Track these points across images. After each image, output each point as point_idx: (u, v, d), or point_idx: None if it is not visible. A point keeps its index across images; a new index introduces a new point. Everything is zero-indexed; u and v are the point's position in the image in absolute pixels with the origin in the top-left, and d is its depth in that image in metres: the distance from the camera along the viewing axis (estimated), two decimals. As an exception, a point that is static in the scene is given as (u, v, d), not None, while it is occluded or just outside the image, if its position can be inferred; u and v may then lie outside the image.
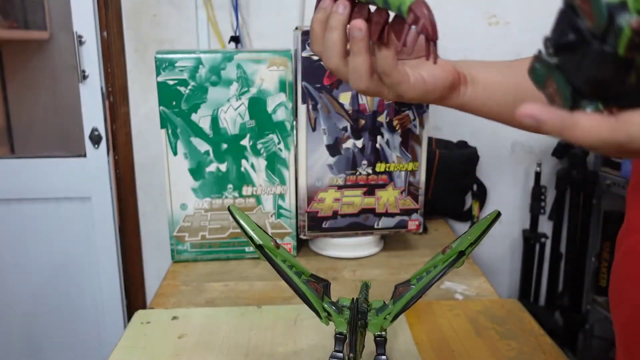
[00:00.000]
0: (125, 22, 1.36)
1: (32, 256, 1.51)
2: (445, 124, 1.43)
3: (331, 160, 1.01)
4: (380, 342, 0.64)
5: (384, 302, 0.65)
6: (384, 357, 0.63)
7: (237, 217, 0.63)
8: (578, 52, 0.28)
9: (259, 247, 0.62)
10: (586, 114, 0.28)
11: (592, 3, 0.26)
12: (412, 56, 0.50)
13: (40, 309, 1.55)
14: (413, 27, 0.38)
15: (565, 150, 1.40)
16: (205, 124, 0.98)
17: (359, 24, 0.43)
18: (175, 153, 0.99)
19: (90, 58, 1.36)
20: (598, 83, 0.28)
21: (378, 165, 1.03)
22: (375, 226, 1.06)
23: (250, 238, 0.62)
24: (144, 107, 1.41)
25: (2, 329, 1.56)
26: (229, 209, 0.64)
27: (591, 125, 0.27)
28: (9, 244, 1.50)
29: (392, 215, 1.06)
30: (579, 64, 0.28)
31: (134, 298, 1.54)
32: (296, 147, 1.02)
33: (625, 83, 0.27)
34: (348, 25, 0.44)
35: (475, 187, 1.44)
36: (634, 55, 0.26)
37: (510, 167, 1.47)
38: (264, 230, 0.65)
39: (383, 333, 0.64)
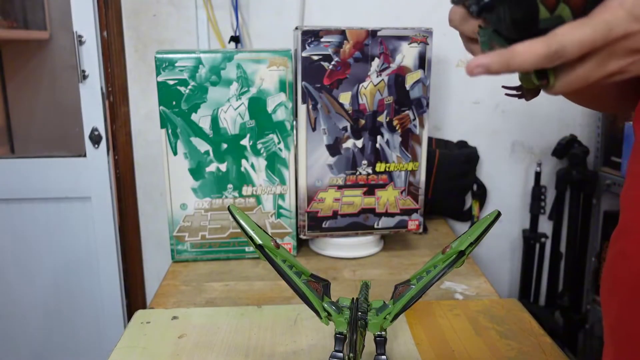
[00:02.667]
0: (125, 22, 1.36)
1: (32, 256, 1.51)
2: (445, 124, 1.43)
3: (331, 160, 1.02)
4: (380, 342, 0.64)
5: (384, 302, 0.65)
6: (384, 357, 0.63)
7: (237, 217, 0.63)
8: (493, 8, 0.35)
9: (259, 247, 0.62)
10: (519, 43, 0.34)
11: None
12: None
13: (40, 308, 1.55)
14: None
15: (565, 150, 1.40)
16: (205, 124, 0.98)
17: None
18: (175, 153, 0.99)
19: (90, 58, 1.36)
20: (519, 24, 0.34)
21: (378, 165, 1.03)
22: (375, 226, 1.06)
23: (250, 238, 0.63)
24: (144, 107, 1.41)
25: (2, 328, 1.56)
26: (229, 209, 0.64)
27: (525, 47, 0.33)
28: (9, 244, 1.50)
29: (392, 215, 1.06)
30: (498, 16, 0.35)
31: (134, 298, 1.54)
32: (296, 147, 1.02)
33: (538, 17, 0.34)
34: None
35: (475, 187, 1.44)
36: None
37: (510, 167, 1.47)
38: (264, 230, 0.65)
39: (383, 333, 0.64)
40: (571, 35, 0.33)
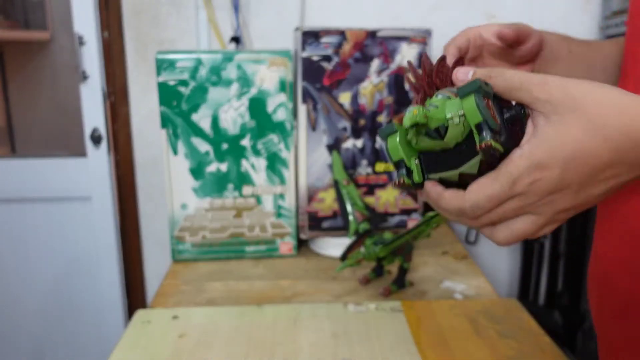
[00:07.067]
0: (126, 22, 1.36)
1: (32, 256, 1.51)
2: (445, 124, 1.43)
3: (331, 159, 1.02)
4: (401, 270, 0.90)
5: (384, 238, 0.88)
6: (401, 282, 0.90)
7: (333, 158, 1.00)
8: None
9: (335, 181, 1.00)
10: (448, 190, 0.41)
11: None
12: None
13: (40, 308, 1.55)
14: None
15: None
16: (205, 124, 0.99)
17: None
18: (175, 153, 1.00)
19: (91, 58, 1.36)
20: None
21: (378, 165, 1.03)
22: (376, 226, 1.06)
23: (333, 173, 1.00)
24: (144, 107, 1.41)
25: (2, 328, 1.56)
26: (332, 154, 1.01)
27: (449, 195, 0.40)
28: (9, 244, 1.50)
29: (392, 215, 1.06)
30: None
31: (134, 298, 1.54)
32: (296, 147, 1.02)
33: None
34: None
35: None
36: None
37: (510, 167, 1.47)
38: (346, 172, 1.00)
39: (405, 265, 0.89)
40: (481, 192, 0.37)
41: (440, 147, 0.40)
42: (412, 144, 0.41)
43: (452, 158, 0.39)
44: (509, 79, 0.37)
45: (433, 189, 0.40)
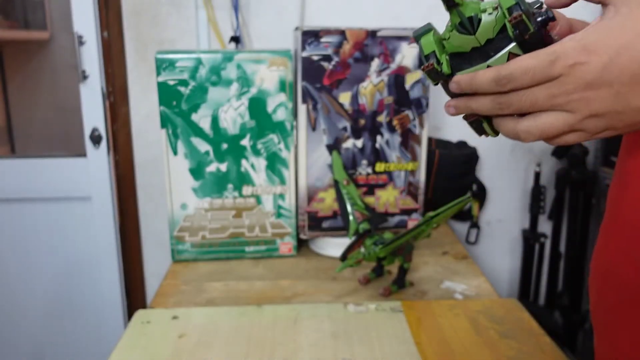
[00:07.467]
0: (126, 22, 1.36)
1: (32, 256, 1.51)
2: (445, 124, 1.43)
3: (331, 160, 1.02)
4: (401, 270, 0.91)
5: (384, 238, 0.89)
6: (401, 282, 0.91)
7: (333, 158, 1.00)
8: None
9: (335, 181, 0.99)
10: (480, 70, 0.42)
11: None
12: None
13: (40, 308, 1.55)
14: None
15: (564, 150, 1.40)
16: (205, 124, 0.98)
17: None
18: (175, 153, 1.00)
19: (91, 58, 1.36)
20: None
21: (378, 165, 1.03)
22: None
23: (333, 173, 1.00)
24: (144, 107, 1.41)
25: (2, 328, 1.56)
26: (332, 154, 1.00)
27: (482, 72, 0.40)
28: (9, 244, 1.50)
29: (392, 215, 1.06)
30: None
31: (134, 298, 1.54)
32: (296, 147, 1.02)
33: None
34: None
35: (475, 187, 1.44)
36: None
37: (510, 167, 1.47)
38: (346, 172, 0.99)
39: (405, 265, 0.90)
40: (518, 63, 0.38)
41: (471, 46, 0.42)
42: (444, 41, 0.43)
43: (482, 56, 0.41)
44: None
45: (464, 75, 0.41)
